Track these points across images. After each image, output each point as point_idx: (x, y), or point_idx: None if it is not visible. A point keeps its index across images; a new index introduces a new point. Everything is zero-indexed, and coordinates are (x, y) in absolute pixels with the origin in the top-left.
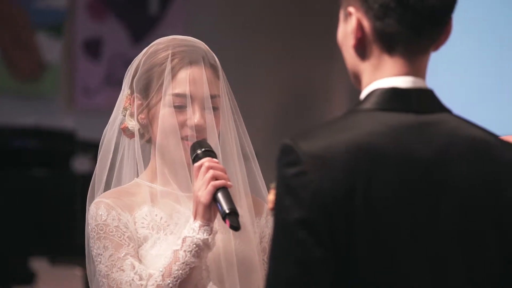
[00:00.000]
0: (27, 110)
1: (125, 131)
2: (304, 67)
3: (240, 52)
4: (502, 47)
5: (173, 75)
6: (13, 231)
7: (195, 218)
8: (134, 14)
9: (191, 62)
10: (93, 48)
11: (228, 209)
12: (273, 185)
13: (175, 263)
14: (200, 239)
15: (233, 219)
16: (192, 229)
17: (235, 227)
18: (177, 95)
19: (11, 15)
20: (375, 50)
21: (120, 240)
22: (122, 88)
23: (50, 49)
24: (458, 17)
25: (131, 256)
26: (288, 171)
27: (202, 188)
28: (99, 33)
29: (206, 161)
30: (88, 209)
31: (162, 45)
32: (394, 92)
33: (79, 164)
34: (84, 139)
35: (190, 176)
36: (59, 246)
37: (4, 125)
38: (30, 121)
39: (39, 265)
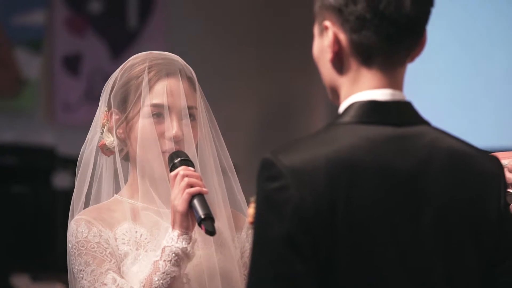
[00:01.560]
0: (7, 126)
1: (103, 149)
2: (284, 80)
3: (219, 66)
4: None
5: (151, 86)
6: None
7: (173, 227)
8: (113, 29)
9: (168, 74)
10: (72, 63)
11: (203, 214)
12: (253, 198)
13: (155, 273)
14: (179, 248)
15: (208, 224)
16: (170, 239)
17: (211, 231)
18: (155, 106)
19: None
20: (353, 64)
21: (102, 256)
22: (99, 105)
23: (29, 65)
24: (441, 25)
25: (112, 271)
26: (269, 185)
27: (178, 197)
28: (78, 49)
29: (181, 170)
30: (68, 227)
31: (138, 59)
32: (372, 105)
33: (60, 180)
34: (64, 154)
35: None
36: (41, 262)
37: None
38: (10, 137)
39: (21, 281)
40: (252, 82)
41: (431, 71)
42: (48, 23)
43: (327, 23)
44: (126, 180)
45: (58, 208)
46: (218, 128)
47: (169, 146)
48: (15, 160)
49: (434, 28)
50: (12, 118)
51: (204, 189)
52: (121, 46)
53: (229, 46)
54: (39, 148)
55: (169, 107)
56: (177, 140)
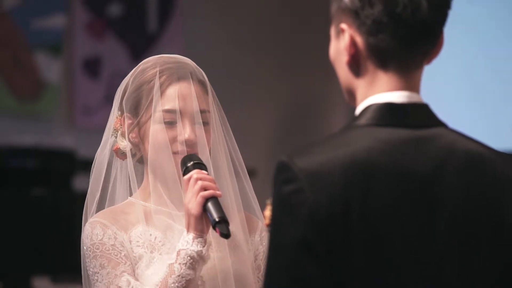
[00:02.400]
0: (27, 130)
1: (117, 153)
2: (302, 82)
3: (238, 69)
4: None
5: (162, 91)
6: (14, 250)
7: (188, 230)
8: (133, 32)
9: (179, 78)
10: (92, 66)
11: (218, 217)
12: (269, 201)
13: (170, 276)
14: (194, 251)
15: (222, 227)
16: (186, 242)
17: (225, 234)
18: (167, 111)
19: (10, 35)
20: (369, 66)
21: (117, 258)
22: (112, 110)
23: (49, 68)
24: (457, 29)
25: (127, 273)
26: (285, 188)
27: (192, 200)
28: (98, 52)
29: (194, 173)
30: (83, 229)
31: (149, 64)
32: (389, 108)
33: (79, 182)
34: (83, 158)
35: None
36: (60, 265)
37: (3, 145)
38: (30, 140)
39: (41, 283)
40: (271, 85)
41: (449, 72)
42: (68, 27)
43: (343, 25)
44: (140, 183)
45: (78, 211)
46: (230, 130)
47: (182, 149)
48: (35, 163)
49: (453, 30)
50: (32, 121)
51: (217, 192)
52: (140, 49)
53: (248, 49)
54: (59, 151)
55: (181, 112)
56: (190, 144)
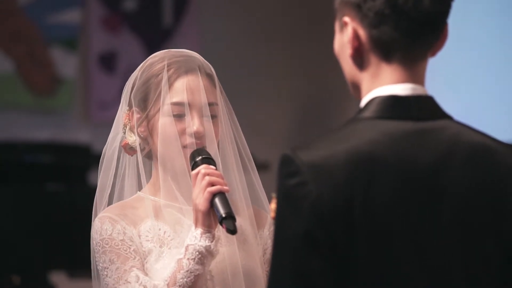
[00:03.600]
0: (43, 125)
1: (126, 148)
2: (318, 76)
3: (254, 62)
4: (506, 50)
5: (170, 84)
6: (31, 245)
7: (196, 226)
8: (148, 27)
9: (187, 71)
10: (107, 61)
11: (224, 213)
12: (275, 194)
13: (179, 272)
14: (202, 246)
15: (229, 222)
16: (194, 237)
17: (232, 230)
18: (175, 104)
19: (25, 31)
20: (373, 59)
21: (126, 254)
22: (120, 105)
23: (65, 63)
24: (461, 19)
25: (137, 268)
26: (288, 181)
27: (200, 196)
28: (114, 47)
29: (202, 168)
30: (92, 225)
31: (157, 58)
32: (393, 100)
33: (95, 177)
34: (99, 152)
35: None
36: (77, 259)
37: (19, 140)
38: (46, 135)
39: (58, 278)
40: (286, 78)
41: (462, 66)
42: (84, 22)
43: (346, 19)
44: (149, 178)
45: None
46: (238, 124)
47: (190, 141)
48: (51, 158)
49: (467, 22)
50: (48, 116)
51: (225, 187)
52: (156, 43)
53: (264, 43)
54: (75, 146)
55: (189, 104)
56: (198, 136)
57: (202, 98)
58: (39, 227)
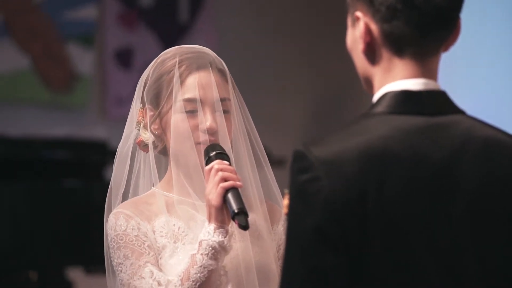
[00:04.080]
0: (59, 121)
1: (140, 145)
2: (334, 71)
3: (271, 58)
4: None
5: (182, 81)
6: (48, 242)
7: (209, 221)
8: (164, 23)
9: (199, 68)
10: (124, 58)
11: (237, 208)
12: (287, 190)
13: (193, 267)
14: (215, 241)
15: (241, 218)
16: (207, 232)
17: (244, 226)
18: (187, 100)
19: (42, 28)
20: (385, 54)
21: (141, 249)
22: (133, 103)
23: (81, 60)
24: (475, 16)
25: (151, 264)
26: (301, 177)
27: (213, 191)
28: (130, 43)
29: (215, 164)
30: (106, 220)
31: (169, 54)
32: (405, 95)
33: (111, 174)
34: (116, 148)
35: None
36: (94, 255)
37: (36, 137)
38: (62, 132)
39: (75, 274)
40: (302, 74)
41: (478, 61)
42: (100, 18)
43: (358, 13)
44: (163, 175)
45: None
46: (251, 119)
47: (204, 138)
48: (68, 155)
49: (483, 17)
50: (64, 113)
51: (238, 182)
52: (172, 39)
53: (279, 38)
54: (92, 142)
55: (201, 100)
56: (211, 132)
57: (214, 94)
58: (55, 223)
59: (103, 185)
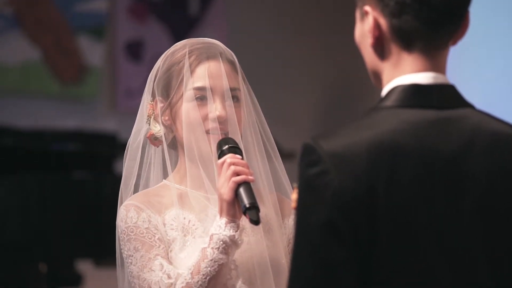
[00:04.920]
0: (69, 113)
1: (151, 139)
2: (346, 64)
3: (280, 51)
4: None
5: (192, 70)
6: (58, 234)
7: (221, 215)
8: (175, 15)
9: (209, 57)
10: (134, 50)
11: (248, 203)
12: (296, 184)
13: (203, 261)
14: (226, 235)
15: (252, 213)
16: (218, 226)
17: (255, 221)
18: (197, 89)
19: (52, 20)
20: (394, 48)
21: (151, 242)
22: (143, 96)
23: (92, 52)
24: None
25: (161, 257)
26: (310, 170)
27: (225, 185)
28: (140, 35)
29: (228, 157)
30: (118, 212)
31: (179, 46)
32: (415, 89)
33: (121, 166)
34: (126, 141)
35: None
36: (103, 248)
37: (46, 129)
38: (73, 124)
39: (85, 267)
40: (313, 67)
41: (488, 56)
42: (110, 10)
43: (367, 8)
44: (173, 168)
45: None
46: (261, 111)
47: (213, 126)
48: (78, 147)
49: (493, 11)
50: (75, 105)
51: (250, 177)
52: (182, 32)
53: (290, 31)
54: (102, 134)
55: (211, 89)
56: (221, 120)
57: (224, 83)
58: (66, 215)
59: (113, 177)
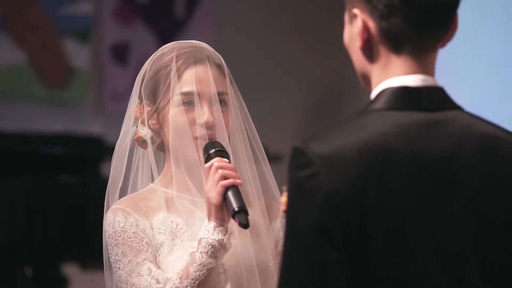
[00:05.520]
0: (55, 116)
1: (139, 142)
2: (332, 67)
3: (267, 53)
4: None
5: (179, 75)
6: (43, 237)
7: (209, 219)
8: (161, 18)
9: (196, 62)
10: (120, 53)
11: (237, 207)
12: (285, 187)
13: (192, 265)
14: (215, 239)
15: (241, 216)
16: (207, 230)
17: (244, 224)
18: (185, 94)
19: (38, 22)
20: (382, 51)
21: (139, 246)
22: (130, 99)
23: (78, 55)
24: (471, 12)
25: (149, 261)
26: (300, 173)
27: (212, 189)
28: (126, 38)
29: (215, 161)
30: (105, 217)
31: (166, 50)
32: (404, 91)
33: (108, 169)
34: (112, 144)
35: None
36: (89, 251)
37: (32, 132)
38: (58, 127)
39: (71, 270)
40: (300, 69)
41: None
42: (96, 13)
43: (356, 10)
44: (161, 171)
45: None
46: (249, 115)
47: (201, 132)
48: (64, 150)
49: (480, 12)
50: (60, 108)
51: (238, 181)
52: (168, 35)
53: (277, 33)
54: (88, 137)
55: (199, 94)
56: (209, 126)
57: (212, 88)
58: (51, 218)
59: (99, 181)
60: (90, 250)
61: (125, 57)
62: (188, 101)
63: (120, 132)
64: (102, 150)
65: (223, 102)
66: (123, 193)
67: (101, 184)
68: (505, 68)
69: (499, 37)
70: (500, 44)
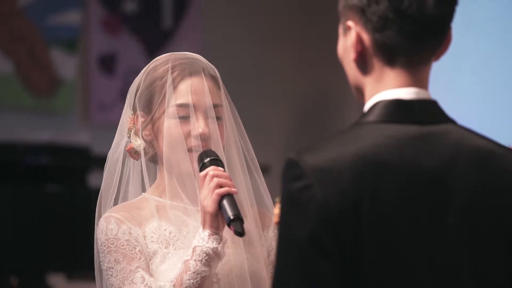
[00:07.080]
0: (42, 126)
1: (131, 153)
2: (320, 78)
3: (254, 64)
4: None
5: (175, 86)
6: (29, 247)
7: (204, 227)
8: (148, 29)
9: (191, 73)
10: (107, 63)
11: (233, 215)
12: (278, 199)
13: (186, 273)
14: (209, 248)
15: (237, 225)
16: (201, 238)
17: (240, 232)
18: (180, 106)
19: (25, 32)
20: (376, 63)
21: (132, 254)
22: (124, 109)
23: (65, 65)
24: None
25: (142, 269)
26: (293, 185)
27: (208, 198)
28: (114, 48)
29: (210, 170)
30: (97, 225)
31: (161, 60)
32: (397, 104)
33: (95, 179)
34: (99, 154)
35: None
36: (76, 261)
37: (19, 142)
38: (45, 137)
39: (56, 280)
40: (287, 81)
41: (463, 69)
42: (84, 23)
43: (350, 23)
44: (152, 182)
45: (93, 207)
46: (242, 126)
47: (196, 144)
48: (51, 160)
49: (468, 26)
50: (47, 118)
51: (233, 189)
52: (156, 45)
53: (264, 44)
54: (75, 147)
55: (194, 106)
56: (204, 138)
57: (207, 99)
58: (38, 228)
59: (86, 191)
60: (77, 260)
61: (112, 67)
62: (183, 116)
63: (106, 142)
64: (89, 160)
65: (218, 114)
66: (114, 203)
67: (88, 194)
68: (491, 79)
69: (484, 48)
70: (484, 55)
